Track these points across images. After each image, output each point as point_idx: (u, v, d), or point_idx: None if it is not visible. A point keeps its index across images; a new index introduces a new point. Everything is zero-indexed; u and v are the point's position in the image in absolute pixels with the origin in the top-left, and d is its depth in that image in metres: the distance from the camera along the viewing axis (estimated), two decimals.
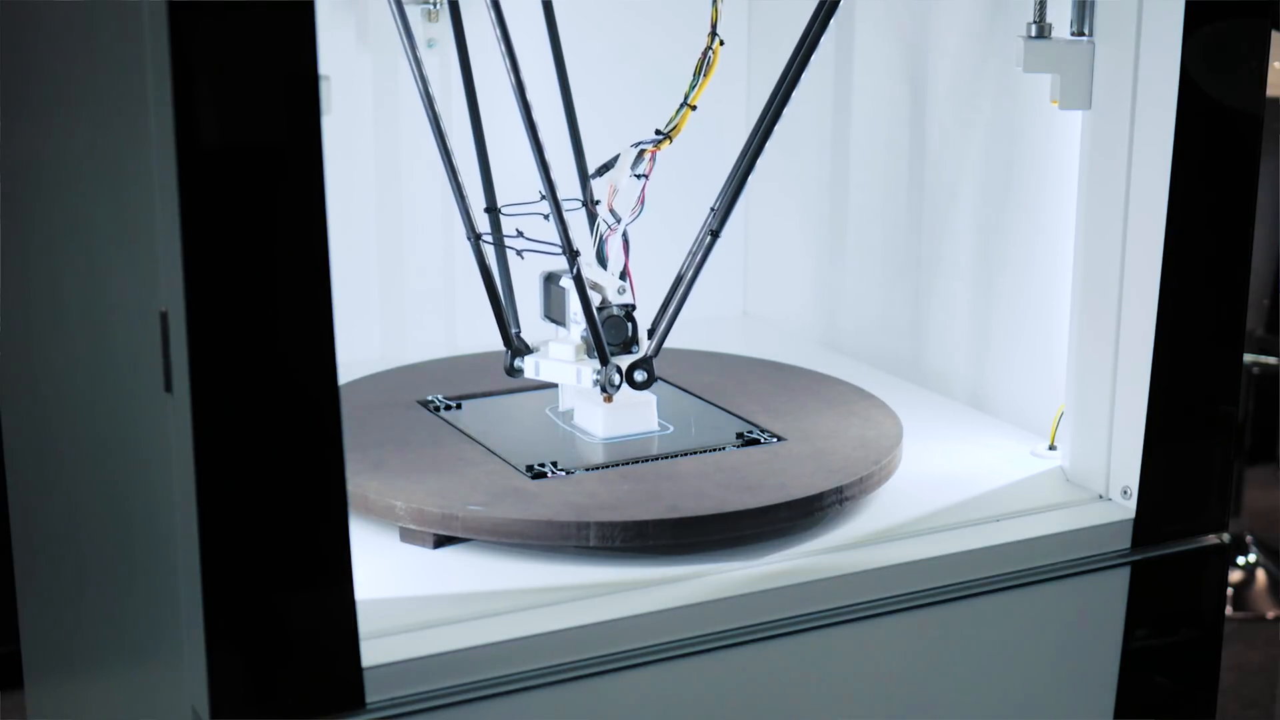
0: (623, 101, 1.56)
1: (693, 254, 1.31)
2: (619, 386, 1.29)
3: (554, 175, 1.25)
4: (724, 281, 1.80)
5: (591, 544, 1.16)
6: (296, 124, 0.95)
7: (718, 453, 1.29)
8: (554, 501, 1.19)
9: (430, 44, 1.55)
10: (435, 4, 1.54)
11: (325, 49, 0.95)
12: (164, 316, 0.98)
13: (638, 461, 1.27)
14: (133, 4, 0.96)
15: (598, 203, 1.31)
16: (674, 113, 1.27)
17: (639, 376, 1.29)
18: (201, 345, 0.95)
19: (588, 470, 1.25)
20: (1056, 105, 1.26)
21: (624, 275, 1.30)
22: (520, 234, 1.29)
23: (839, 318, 1.67)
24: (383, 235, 1.62)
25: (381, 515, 1.19)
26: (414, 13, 1.54)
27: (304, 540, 1.00)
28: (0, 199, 1.33)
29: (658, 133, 1.28)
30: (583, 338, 1.30)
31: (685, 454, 1.29)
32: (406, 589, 1.13)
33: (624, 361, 1.29)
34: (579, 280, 1.26)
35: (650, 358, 1.30)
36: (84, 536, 1.27)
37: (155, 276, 0.99)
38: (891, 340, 1.60)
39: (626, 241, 1.30)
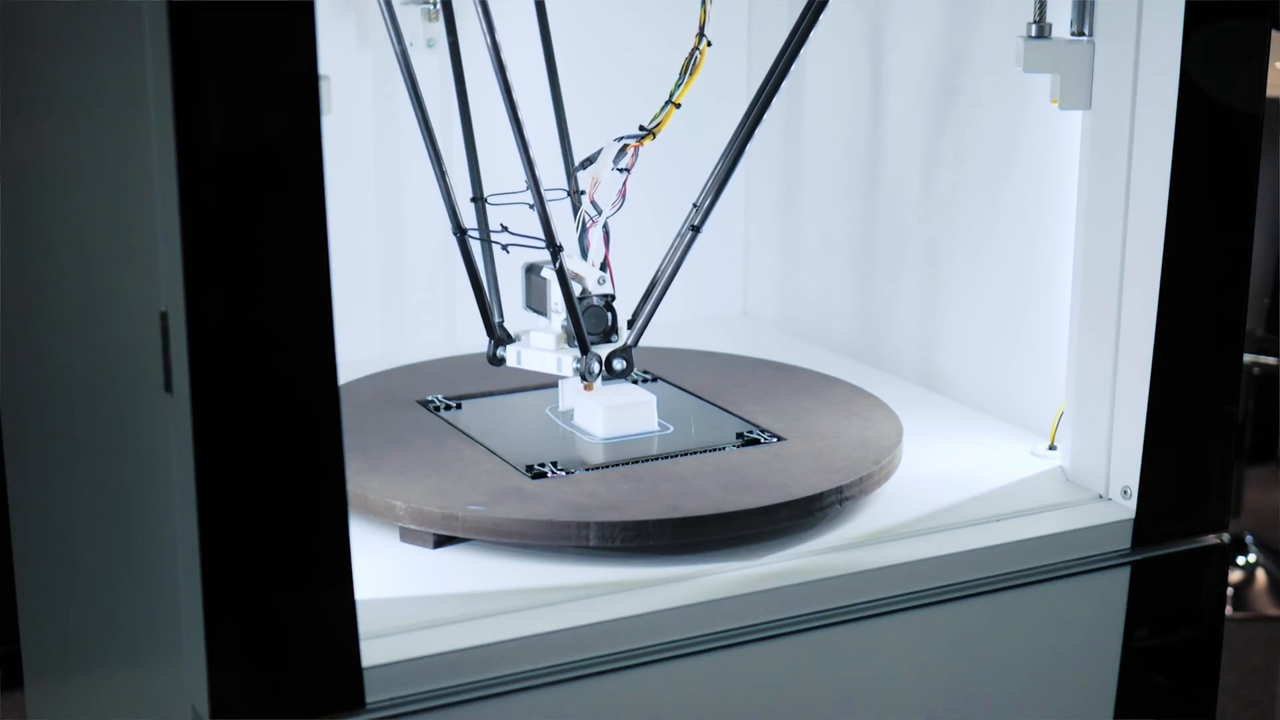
0: (615, 94, 1.56)
1: (674, 249, 1.33)
2: (598, 375, 1.30)
3: (540, 167, 1.26)
4: (724, 281, 1.80)
5: (591, 544, 1.16)
6: (296, 124, 0.95)
7: (718, 453, 1.29)
8: (554, 501, 1.19)
9: (430, 44, 1.55)
10: (434, 4, 1.54)
11: (325, 49, 0.95)
12: (164, 316, 0.98)
13: (638, 461, 1.27)
14: (133, 4, 0.96)
15: (582, 193, 1.33)
16: (659, 110, 1.28)
17: (618, 365, 1.31)
18: (201, 345, 0.95)
19: (588, 470, 1.25)
20: (1056, 105, 1.26)
21: (604, 266, 1.32)
22: (505, 228, 1.31)
23: (839, 318, 1.67)
24: (382, 235, 1.62)
25: (381, 515, 1.19)
26: (414, 13, 1.54)
27: (304, 540, 1.00)
28: (0, 199, 1.33)
29: (641, 128, 1.29)
30: (563, 327, 1.32)
31: (685, 454, 1.29)
32: (406, 589, 1.13)
33: (603, 350, 1.30)
34: (560, 271, 1.27)
35: (630, 347, 1.32)
36: (84, 536, 1.27)
37: (155, 276, 0.99)
38: (891, 340, 1.60)
39: (607, 233, 1.32)
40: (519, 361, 1.33)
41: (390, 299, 1.64)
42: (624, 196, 1.30)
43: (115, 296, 1.11)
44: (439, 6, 1.53)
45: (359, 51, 1.56)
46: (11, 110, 1.29)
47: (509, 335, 1.34)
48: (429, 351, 1.58)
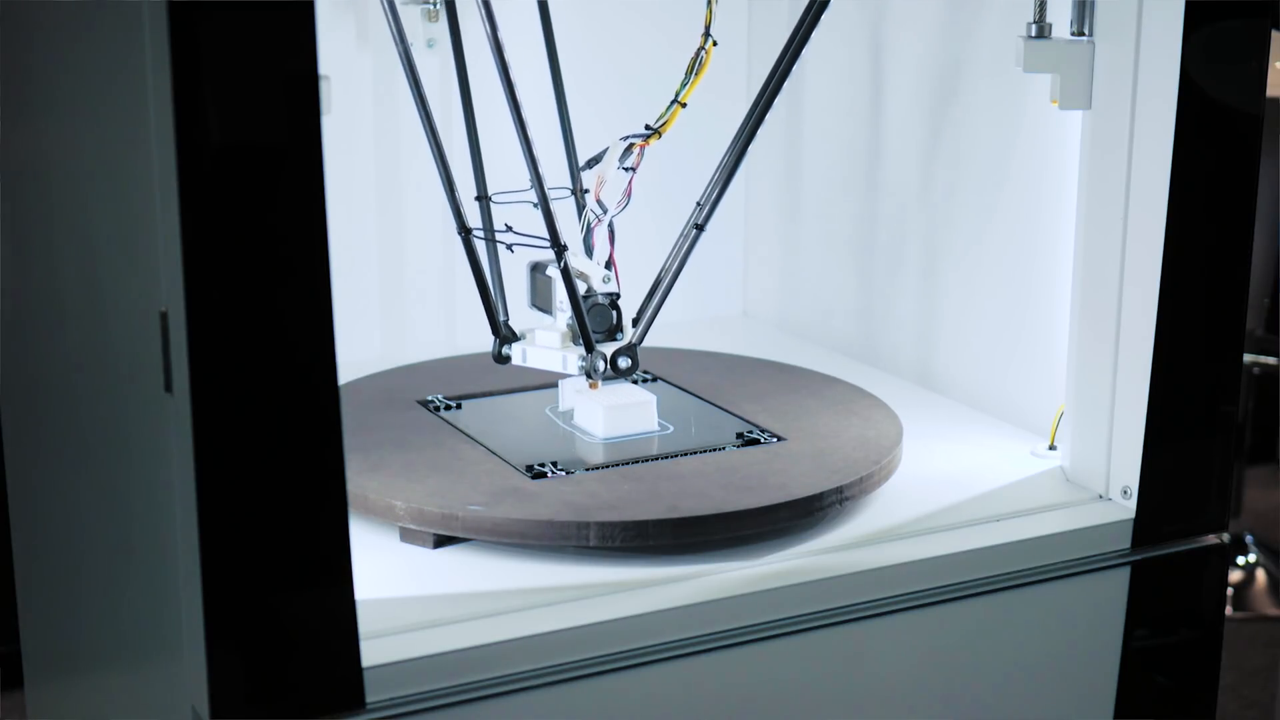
0: (617, 93, 1.56)
1: (678, 247, 1.33)
2: (603, 373, 1.30)
3: (544, 166, 1.26)
4: (724, 281, 1.80)
5: (591, 544, 1.16)
6: (296, 124, 0.95)
7: (718, 453, 1.29)
8: (554, 501, 1.19)
9: (430, 44, 1.55)
10: (434, 4, 1.54)
11: (325, 49, 0.95)
12: (164, 316, 0.98)
13: (638, 461, 1.27)
14: (133, 4, 0.96)
15: (586, 191, 1.33)
16: (664, 109, 1.28)
17: (623, 363, 1.31)
18: (201, 345, 0.95)
19: (588, 470, 1.25)
20: (1056, 105, 1.26)
21: (609, 264, 1.32)
22: (509, 228, 1.31)
23: (839, 318, 1.67)
24: (383, 235, 1.62)
25: (381, 515, 1.19)
26: (414, 13, 1.54)
27: (304, 540, 1.00)
28: (0, 199, 1.33)
29: (647, 128, 1.29)
30: (568, 325, 1.31)
31: (685, 454, 1.29)
32: (406, 589, 1.13)
33: (608, 349, 1.30)
34: (565, 270, 1.27)
35: (634, 345, 1.32)
36: (84, 536, 1.27)
37: (155, 276, 0.99)
38: (891, 340, 1.60)
39: (612, 232, 1.32)
40: (524, 360, 1.33)
41: (390, 299, 1.64)
42: (629, 195, 1.31)
43: (115, 296, 1.11)
44: (439, 6, 1.53)
45: (359, 51, 1.56)
46: (12, 110, 1.29)
47: (514, 334, 1.34)
48: (429, 351, 1.58)
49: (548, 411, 1.38)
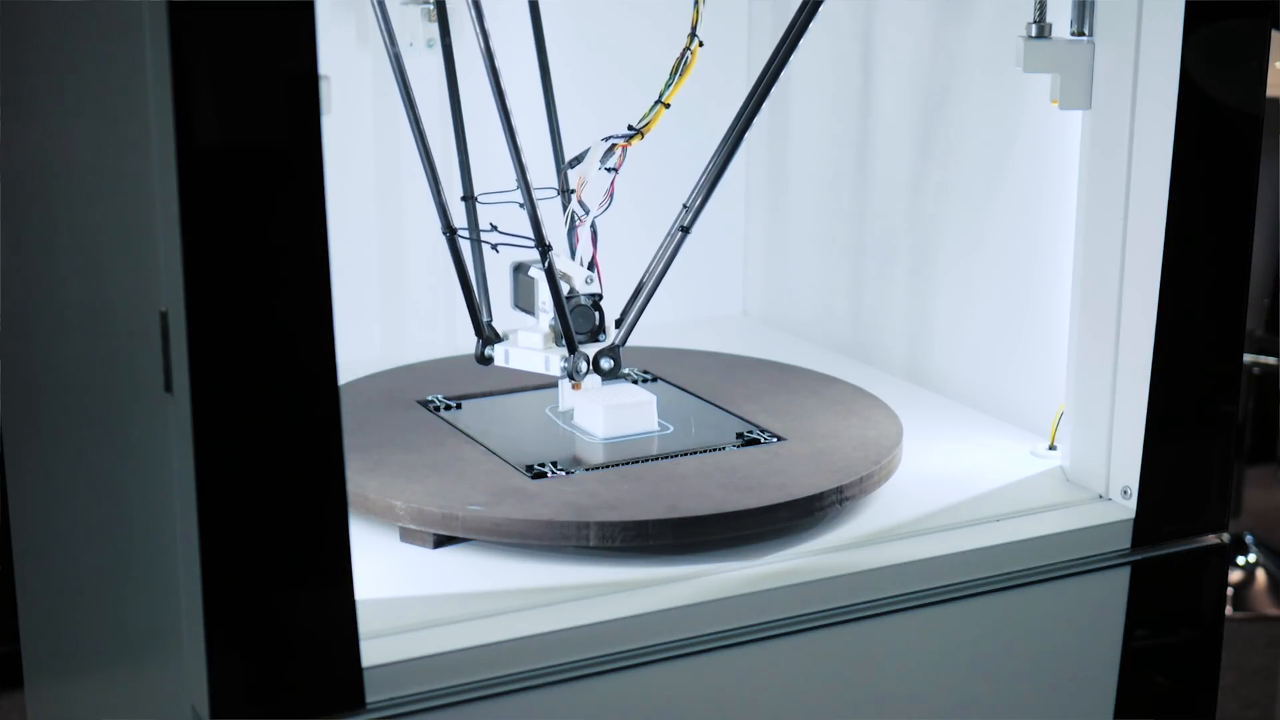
0: (610, 92, 1.56)
1: (663, 249, 1.33)
2: (586, 374, 1.30)
3: (530, 166, 1.26)
4: (724, 281, 1.80)
5: (591, 544, 1.16)
6: (296, 124, 0.95)
7: (718, 453, 1.29)
8: (554, 501, 1.19)
9: (430, 44, 1.55)
10: (433, 3, 1.54)
11: (325, 49, 0.95)
12: (164, 316, 0.98)
13: (638, 461, 1.27)
14: (133, 4, 0.96)
15: (571, 191, 1.33)
16: (648, 109, 1.28)
17: (605, 365, 1.31)
18: (201, 345, 0.95)
19: (588, 470, 1.25)
20: (1056, 105, 1.26)
21: (592, 265, 1.31)
22: (494, 228, 1.31)
23: (839, 318, 1.67)
24: (383, 235, 1.62)
25: (381, 515, 1.19)
26: (414, 13, 1.54)
27: (304, 540, 1.00)
28: (0, 199, 1.33)
29: (630, 128, 1.29)
30: (551, 326, 1.31)
31: (685, 454, 1.29)
32: (406, 589, 1.13)
33: (591, 350, 1.30)
34: (549, 271, 1.27)
35: (617, 346, 1.31)
36: (84, 536, 1.27)
37: (155, 276, 0.99)
38: (891, 340, 1.60)
39: (595, 232, 1.32)
40: (507, 360, 1.33)
41: (390, 299, 1.64)
42: (612, 196, 1.30)
43: (115, 296, 1.11)
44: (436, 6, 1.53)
45: (359, 51, 1.56)
46: (12, 110, 1.29)
47: (497, 334, 1.33)
48: (429, 351, 1.58)
49: (548, 411, 1.38)
